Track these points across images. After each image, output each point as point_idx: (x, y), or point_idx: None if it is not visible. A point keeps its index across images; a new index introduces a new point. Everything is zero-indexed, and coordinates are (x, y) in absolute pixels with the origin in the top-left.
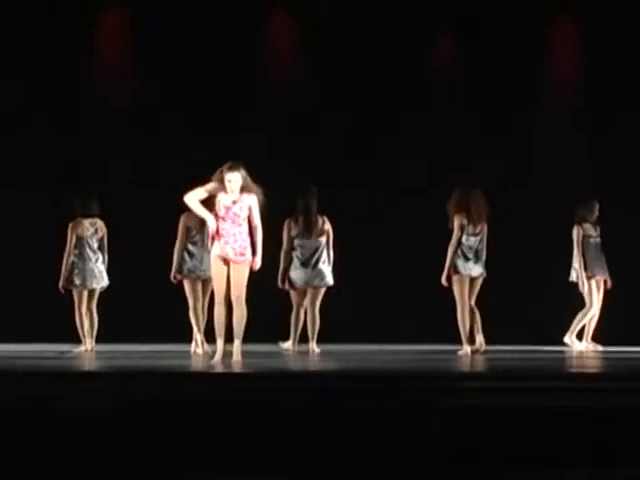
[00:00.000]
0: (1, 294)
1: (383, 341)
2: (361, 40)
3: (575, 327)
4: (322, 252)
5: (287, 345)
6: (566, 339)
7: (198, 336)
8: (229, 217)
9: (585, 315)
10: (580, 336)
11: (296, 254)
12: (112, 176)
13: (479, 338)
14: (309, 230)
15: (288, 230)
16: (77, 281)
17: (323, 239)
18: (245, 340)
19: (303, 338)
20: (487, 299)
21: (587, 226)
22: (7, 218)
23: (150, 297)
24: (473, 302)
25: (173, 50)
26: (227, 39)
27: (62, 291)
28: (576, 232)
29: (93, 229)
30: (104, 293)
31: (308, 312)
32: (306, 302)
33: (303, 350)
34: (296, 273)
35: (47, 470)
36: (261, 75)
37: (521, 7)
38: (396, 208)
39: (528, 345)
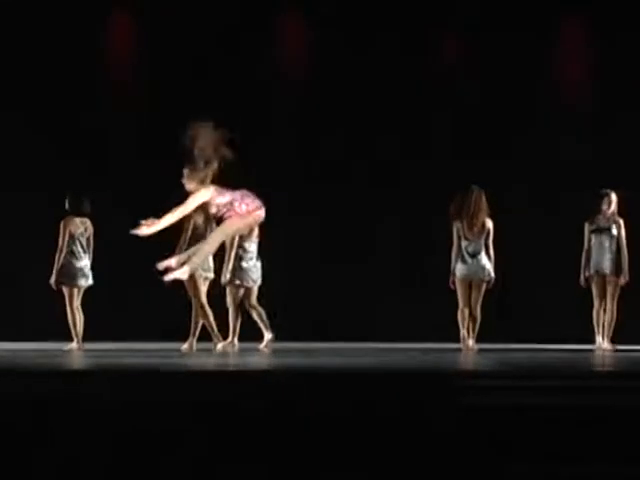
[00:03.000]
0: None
1: (387, 340)
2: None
3: (600, 329)
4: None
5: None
6: (605, 344)
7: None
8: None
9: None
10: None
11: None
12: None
13: (471, 341)
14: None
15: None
16: (69, 279)
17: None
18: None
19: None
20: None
21: (594, 221)
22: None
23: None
24: (476, 306)
25: (180, 50)
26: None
27: (54, 288)
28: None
29: (83, 227)
30: (93, 292)
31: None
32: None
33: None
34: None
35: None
36: (273, 75)
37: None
38: (403, 210)
39: (543, 344)
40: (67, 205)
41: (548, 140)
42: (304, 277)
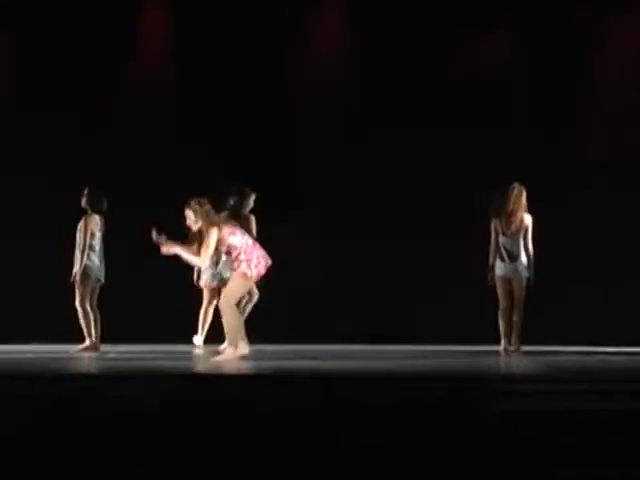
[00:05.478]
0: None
1: (421, 342)
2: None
3: None
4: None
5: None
6: None
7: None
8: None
9: None
10: None
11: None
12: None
13: (512, 343)
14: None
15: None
16: (90, 277)
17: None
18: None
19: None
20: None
21: None
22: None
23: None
24: (518, 303)
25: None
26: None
27: (79, 287)
28: None
29: (101, 224)
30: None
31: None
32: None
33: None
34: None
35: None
36: (306, 73)
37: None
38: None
39: (582, 346)
40: (86, 202)
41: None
42: (338, 277)
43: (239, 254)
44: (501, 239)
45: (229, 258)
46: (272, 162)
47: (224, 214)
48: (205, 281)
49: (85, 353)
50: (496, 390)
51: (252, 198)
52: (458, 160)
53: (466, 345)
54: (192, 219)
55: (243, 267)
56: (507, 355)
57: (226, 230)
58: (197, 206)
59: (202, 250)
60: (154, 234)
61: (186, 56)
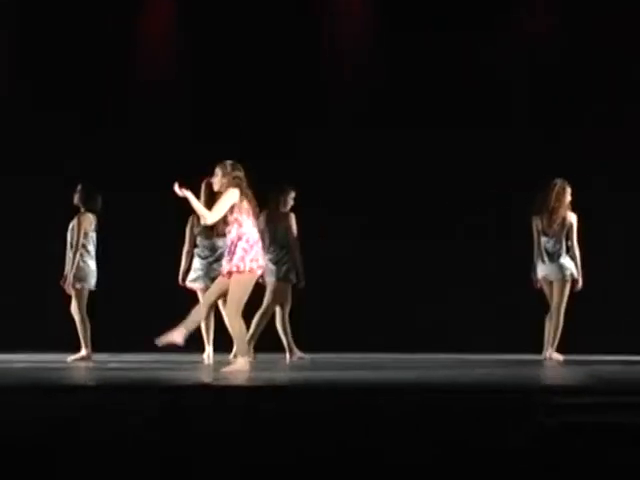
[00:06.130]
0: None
1: (459, 350)
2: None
3: None
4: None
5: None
6: None
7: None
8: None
9: None
10: None
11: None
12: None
13: (552, 351)
14: (210, 228)
15: (190, 227)
16: (85, 280)
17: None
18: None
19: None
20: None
21: None
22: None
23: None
24: (556, 307)
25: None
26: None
27: (70, 291)
28: None
29: (95, 224)
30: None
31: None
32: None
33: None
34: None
35: None
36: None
37: None
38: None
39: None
40: (78, 200)
41: None
42: (367, 283)
43: (240, 239)
44: (542, 239)
45: (225, 246)
46: (273, 161)
47: (264, 213)
48: (197, 282)
49: (81, 363)
50: (538, 402)
51: (291, 195)
52: (491, 159)
53: (501, 354)
54: (218, 176)
55: (236, 260)
56: (548, 363)
57: (247, 203)
58: (229, 166)
59: (215, 206)
60: (176, 186)
61: (190, 55)
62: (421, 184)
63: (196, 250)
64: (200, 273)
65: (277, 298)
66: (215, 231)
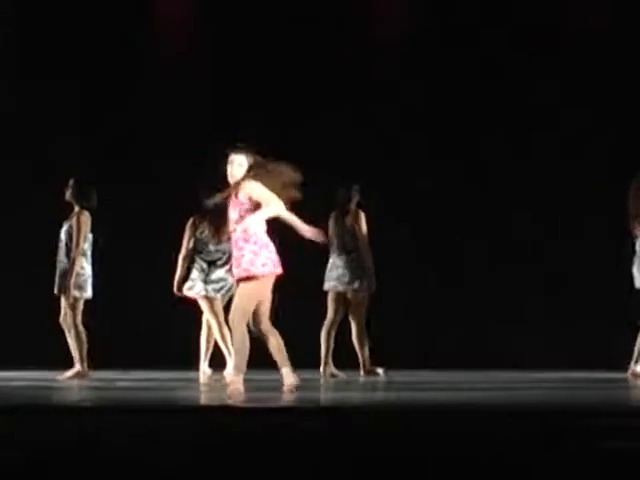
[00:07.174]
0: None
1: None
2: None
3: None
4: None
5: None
6: None
7: None
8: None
9: None
10: None
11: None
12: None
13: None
14: (219, 232)
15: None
16: (82, 287)
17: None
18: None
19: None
20: None
21: None
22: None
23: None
24: None
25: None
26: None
27: (71, 300)
28: None
29: (90, 224)
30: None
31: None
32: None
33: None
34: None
35: None
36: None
37: None
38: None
39: None
40: (70, 196)
41: None
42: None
43: (250, 237)
44: (638, 243)
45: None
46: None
47: (334, 213)
48: (196, 290)
49: (75, 380)
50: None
51: (355, 188)
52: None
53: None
54: (244, 167)
55: (244, 263)
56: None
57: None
58: (257, 155)
59: (264, 202)
60: None
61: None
62: (504, 199)
63: (199, 256)
64: (197, 280)
65: (358, 310)
66: (226, 235)
